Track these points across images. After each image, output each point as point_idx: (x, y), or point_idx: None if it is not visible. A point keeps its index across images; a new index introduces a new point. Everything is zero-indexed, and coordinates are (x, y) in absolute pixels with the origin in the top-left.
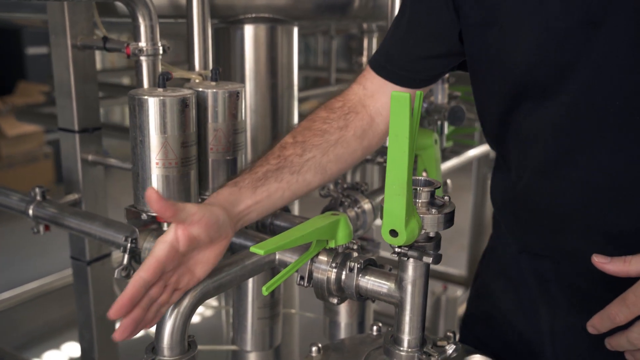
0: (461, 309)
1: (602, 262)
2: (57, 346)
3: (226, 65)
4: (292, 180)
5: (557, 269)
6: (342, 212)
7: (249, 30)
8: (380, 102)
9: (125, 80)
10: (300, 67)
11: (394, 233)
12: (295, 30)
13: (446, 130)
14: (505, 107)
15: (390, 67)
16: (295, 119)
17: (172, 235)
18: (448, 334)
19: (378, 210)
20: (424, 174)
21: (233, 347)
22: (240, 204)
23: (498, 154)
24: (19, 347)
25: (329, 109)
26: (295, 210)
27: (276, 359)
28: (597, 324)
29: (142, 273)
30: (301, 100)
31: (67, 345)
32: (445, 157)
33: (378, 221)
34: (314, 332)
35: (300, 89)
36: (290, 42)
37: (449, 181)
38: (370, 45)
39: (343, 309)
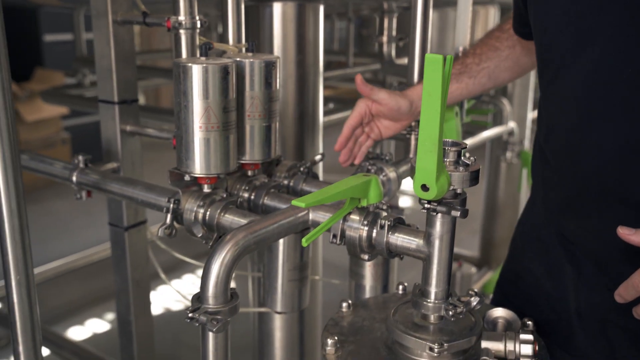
0: (476, 286)
1: (627, 234)
2: (80, 322)
3: (255, 41)
4: (469, 82)
5: (581, 233)
6: None
7: (277, 8)
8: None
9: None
10: None
11: (425, 188)
12: (322, 8)
13: (466, 104)
14: (539, 72)
15: (514, 24)
16: (321, 94)
17: (368, 101)
18: (470, 292)
19: (402, 179)
20: None
21: (263, 309)
22: None
23: (538, 119)
24: (44, 323)
25: (501, 30)
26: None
27: (300, 323)
28: (622, 293)
29: (350, 121)
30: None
31: (90, 321)
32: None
33: (402, 188)
34: (337, 298)
35: None
36: (316, 20)
37: (467, 154)
38: (391, 25)
39: (368, 273)
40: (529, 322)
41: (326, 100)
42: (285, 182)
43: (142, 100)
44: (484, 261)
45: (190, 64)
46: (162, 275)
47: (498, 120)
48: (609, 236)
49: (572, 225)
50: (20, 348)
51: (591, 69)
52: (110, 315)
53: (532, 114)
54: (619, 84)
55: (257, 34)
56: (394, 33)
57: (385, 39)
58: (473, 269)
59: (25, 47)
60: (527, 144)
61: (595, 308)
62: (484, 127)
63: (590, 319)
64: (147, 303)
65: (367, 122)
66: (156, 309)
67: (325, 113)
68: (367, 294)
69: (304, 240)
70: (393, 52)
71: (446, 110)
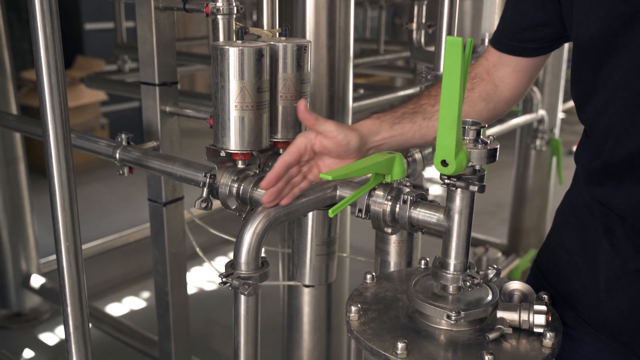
0: (503, 273)
1: None
2: (118, 299)
3: (288, 26)
4: (423, 124)
5: (624, 219)
6: None
7: None
8: (502, 72)
9: None
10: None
11: (444, 163)
12: None
13: None
14: (581, 67)
15: (503, 40)
16: (351, 79)
17: (311, 135)
18: (489, 267)
19: (427, 160)
20: None
21: (293, 283)
22: (378, 135)
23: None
24: None
25: None
26: None
27: (328, 299)
28: None
29: (286, 157)
30: (354, 67)
31: (127, 299)
32: (489, 125)
33: (427, 170)
34: (363, 277)
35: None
36: (347, 6)
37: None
38: (420, 12)
39: (393, 250)
40: (544, 295)
41: (359, 87)
42: None
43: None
44: (512, 249)
45: (227, 47)
46: (199, 252)
47: (528, 108)
48: None
49: (622, 205)
50: (69, 310)
51: (636, 53)
52: (146, 294)
53: (562, 104)
54: None
55: (290, 20)
56: (423, 20)
57: (415, 25)
58: (499, 254)
59: (68, 35)
60: (557, 132)
61: (626, 288)
62: (514, 115)
63: (620, 298)
64: (183, 275)
65: (306, 160)
66: (189, 289)
67: (355, 99)
68: (392, 270)
69: (330, 211)
70: (422, 39)
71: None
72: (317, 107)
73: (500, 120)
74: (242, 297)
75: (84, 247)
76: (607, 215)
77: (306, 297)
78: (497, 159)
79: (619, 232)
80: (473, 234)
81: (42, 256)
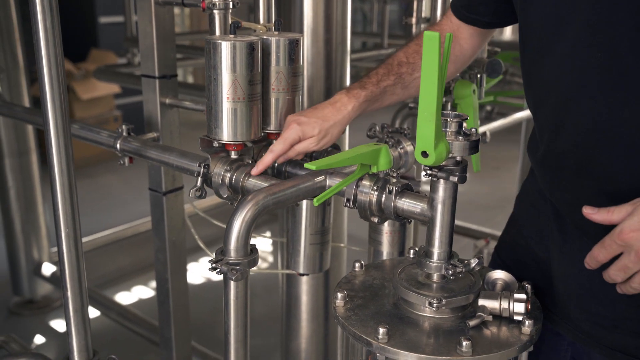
0: None
1: (590, 213)
2: (127, 288)
3: (286, 21)
4: (401, 93)
5: (566, 207)
6: None
7: None
8: (465, 34)
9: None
10: (357, 33)
11: (425, 154)
12: None
13: (485, 83)
14: (522, 62)
15: (461, 9)
16: (348, 72)
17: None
18: (474, 257)
19: None
20: None
21: (288, 271)
22: (360, 113)
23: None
24: (95, 287)
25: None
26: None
27: (325, 287)
28: (588, 261)
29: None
30: (357, 60)
31: (136, 288)
32: (492, 118)
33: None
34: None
35: (357, 51)
36: (344, 0)
37: (487, 132)
38: (420, 7)
39: (385, 240)
40: (527, 285)
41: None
42: None
43: (190, 78)
44: None
45: (219, 41)
46: (200, 242)
47: None
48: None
49: (558, 198)
50: (69, 294)
51: (567, 53)
52: (154, 283)
53: None
54: (591, 68)
55: (288, 14)
56: (422, 14)
57: (414, 20)
58: None
59: (82, 28)
60: None
61: (575, 274)
62: (519, 109)
63: (570, 284)
64: (183, 263)
65: None
66: (197, 279)
67: None
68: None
69: (315, 200)
70: None
71: (463, 88)
72: (315, 99)
73: (505, 115)
74: (232, 283)
75: (95, 236)
76: (555, 205)
77: (304, 286)
78: (478, 150)
79: (569, 219)
80: (478, 227)
81: (54, 245)
